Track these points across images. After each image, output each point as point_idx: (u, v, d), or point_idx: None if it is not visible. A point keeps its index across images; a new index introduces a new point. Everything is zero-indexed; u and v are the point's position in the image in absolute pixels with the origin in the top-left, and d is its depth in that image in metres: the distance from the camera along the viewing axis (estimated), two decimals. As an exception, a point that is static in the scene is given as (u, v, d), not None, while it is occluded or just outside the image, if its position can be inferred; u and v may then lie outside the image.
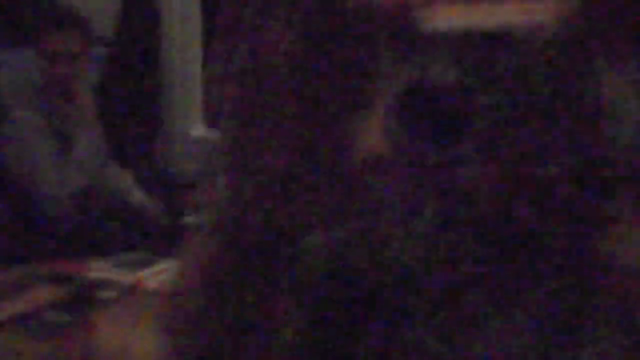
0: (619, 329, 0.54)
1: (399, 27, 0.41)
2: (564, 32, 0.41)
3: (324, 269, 0.64)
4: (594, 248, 0.53)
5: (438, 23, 0.42)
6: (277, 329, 0.52)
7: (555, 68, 0.43)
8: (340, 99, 0.43)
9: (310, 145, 0.44)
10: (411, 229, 0.60)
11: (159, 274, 2.41)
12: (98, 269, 2.42)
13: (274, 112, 0.44)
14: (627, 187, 0.48)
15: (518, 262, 0.56)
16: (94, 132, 2.78)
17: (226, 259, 0.49)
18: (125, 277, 2.37)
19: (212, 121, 4.01)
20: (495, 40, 0.43)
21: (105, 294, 2.26)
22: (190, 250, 0.53)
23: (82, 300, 2.20)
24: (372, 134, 0.44)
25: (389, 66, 0.43)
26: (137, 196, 2.96)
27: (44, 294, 2.19)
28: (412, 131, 0.44)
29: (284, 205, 0.46)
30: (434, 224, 0.59)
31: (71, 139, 2.71)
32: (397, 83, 0.43)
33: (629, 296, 0.54)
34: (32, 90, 2.69)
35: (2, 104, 2.70)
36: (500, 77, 0.44)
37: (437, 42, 0.42)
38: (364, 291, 0.61)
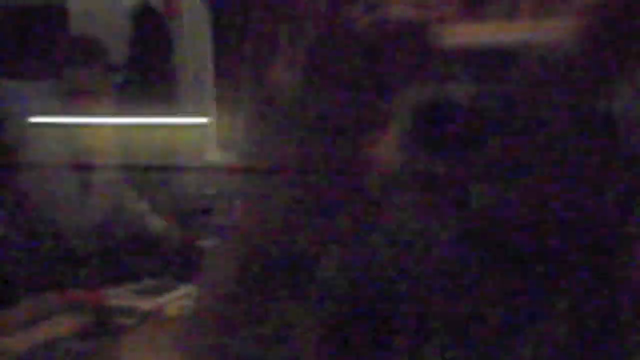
0: None
1: (415, 43, 0.41)
2: (577, 48, 0.41)
3: (342, 290, 0.64)
4: (617, 263, 0.52)
5: (453, 40, 0.42)
6: (296, 349, 0.52)
7: (569, 83, 0.43)
8: (356, 116, 0.43)
9: (327, 164, 0.44)
10: (428, 247, 0.60)
11: (178, 300, 2.40)
12: (118, 297, 2.42)
13: (288, 133, 0.44)
14: None
15: (539, 277, 0.55)
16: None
17: (245, 282, 0.49)
18: (145, 304, 2.37)
19: (226, 146, 4.02)
20: (509, 56, 0.43)
21: (126, 322, 2.26)
22: (209, 273, 0.53)
23: (103, 328, 2.20)
24: (387, 150, 0.44)
25: (404, 82, 0.43)
26: (155, 222, 2.96)
27: (64, 323, 2.19)
28: (426, 146, 0.44)
29: (301, 226, 0.46)
30: (451, 242, 0.59)
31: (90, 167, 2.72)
32: (412, 99, 0.43)
33: None
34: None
35: (22, 135, 2.72)
36: (514, 92, 0.44)
37: (451, 59, 0.42)
38: (383, 311, 0.61)
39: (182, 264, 2.77)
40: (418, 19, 0.41)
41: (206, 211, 3.45)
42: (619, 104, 0.44)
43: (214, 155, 4.06)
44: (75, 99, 2.63)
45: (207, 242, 3.05)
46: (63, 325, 2.18)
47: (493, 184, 0.48)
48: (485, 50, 0.44)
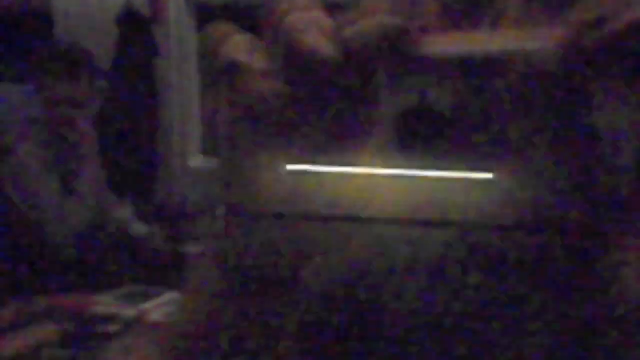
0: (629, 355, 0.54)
1: (397, 51, 0.41)
2: (560, 60, 0.41)
3: (324, 298, 0.64)
4: (600, 275, 0.53)
5: (435, 49, 0.42)
6: (278, 355, 0.52)
7: (552, 95, 0.43)
8: (339, 125, 0.43)
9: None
10: (413, 257, 0.60)
11: (161, 307, 2.40)
12: (101, 303, 2.41)
13: (271, 140, 0.44)
14: (628, 214, 0.48)
15: (524, 290, 0.56)
16: (95, 166, 2.78)
17: (228, 288, 0.49)
18: (129, 311, 2.36)
19: (210, 152, 4.02)
20: (491, 66, 0.43)
21: (109, 328, 2.25)
22: (192, 279, 0.53)
23: (86, 335, 2.19)
24: (371, 159, 0.44)
25: (388, 91, 0.43)
26: (138, 228, 2.96)
27: (48, 329, 2.18)
28: (407, 153, 0.44)
29: (284, 232, 0.46)
30: (436, 252, 0.59)
31: (74, 173, 2.71)
32: (395, 108, 0.44)
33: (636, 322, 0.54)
34: (35, 126, 2.69)
35: (4, 139, 2.70)
36: (495, 102, 0.45)
37: (434, 68, 0.42)
38: (367, 322, 0.61)
39: (166, 270, 2.76)
40: (402, 27, 0.41)
41: (191, 217, 3.45)
42: (603, 114, 0.44)
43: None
44: (58, 106, 2.61)
45: (191, 248, 3.04)
46: (46, 332, 2.17)
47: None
48: (469, 59, 0.44)
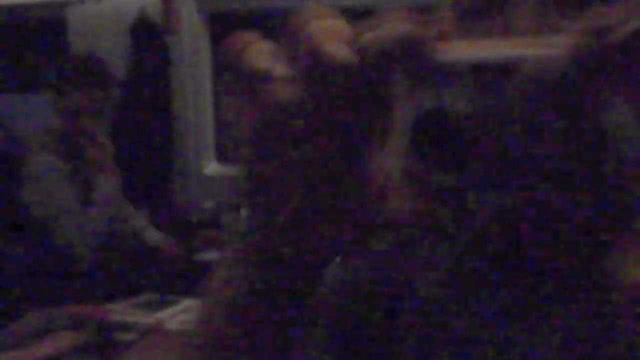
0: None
1: (413, 58, 0.41)
2: (571, 65, 0.42)
3: (344, 300, 0.64)
4: (606, 272, 0.53)
5: (450, 55, 0.42)
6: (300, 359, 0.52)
7: (562, 99, 0.44)
8: (358, 130, 0.43)
9: (330, 175, 0.44)
10: (428, 259, 0.61)
11: (178, 314, 2.40)
12: (118, 312, 2.42)
13: (293, 145, 0.44)
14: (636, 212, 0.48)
15: (532, 287, 0.56)
16: (112, 174, 2.79)
17: (250, 292, 0.50)
18: (145, 319, 2.37)
19: (225, 158, 4.03)
20: (504, 72, 0.43)
21: (126, 337, 2.25)
22: (212, 285, 0.53)
23: (103, 343, 2.20)
24: (387, 161, 0.45)
25: (404, 95, 0.43)
26: (154, 236, 2.96)
27: (65, 338, 2.19)
28: (423, 157, 0.45)
29: (305, 237, 0.47)
30: (451, 253, 0.59)
31: (91, 181, 2.72)
32: (411, 111, 0.44)
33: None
34: (51, 136, 2.70)
35: (22, 148, 2.71)
36: (508, 106, 0.45)
37: (448, 73, 0.43)
38: (384, 321, 0.61)
39: (183, 277, 2.76)
40: (418, 35, 0.41)
41: (206, 224, 3.45)
42: (612, 120, 0.45)
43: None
44: (74, 116, 2.63)
45: (207, 255, 3.05)
46: (64, 341, 2.18)
47: (490, 194, 0.49)
48: (482, 66, 0.44)
